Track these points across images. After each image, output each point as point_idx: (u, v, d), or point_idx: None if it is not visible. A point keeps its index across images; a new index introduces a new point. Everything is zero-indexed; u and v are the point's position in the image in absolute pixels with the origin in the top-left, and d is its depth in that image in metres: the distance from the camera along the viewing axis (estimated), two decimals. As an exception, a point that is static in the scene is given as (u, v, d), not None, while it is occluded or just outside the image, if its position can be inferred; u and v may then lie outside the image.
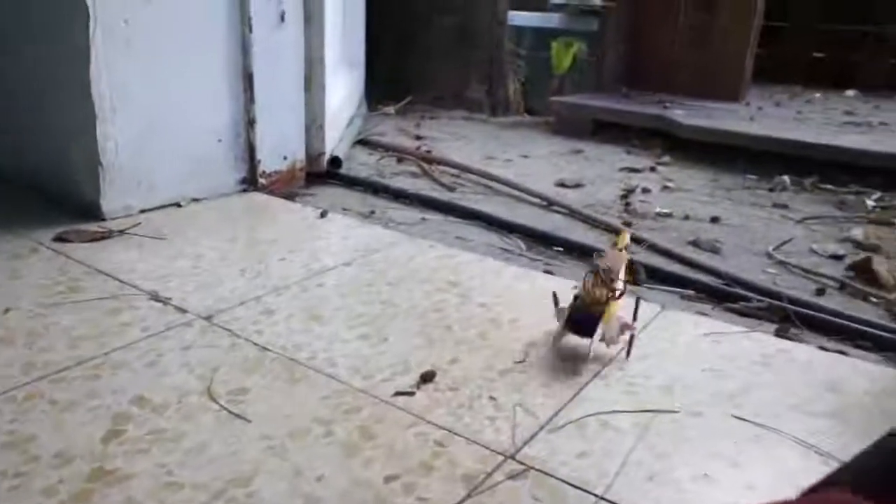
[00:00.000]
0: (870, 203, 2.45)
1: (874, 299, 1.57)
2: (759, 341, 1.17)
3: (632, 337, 1.10)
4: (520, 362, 1.07)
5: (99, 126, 1.58)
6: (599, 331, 1.06)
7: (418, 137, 3.09)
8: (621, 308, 1.11)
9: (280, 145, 2.00)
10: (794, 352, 1.14)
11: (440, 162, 2.55)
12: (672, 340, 1.16)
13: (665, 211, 2.18)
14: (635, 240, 1.85)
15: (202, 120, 1.81)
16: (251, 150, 1.92)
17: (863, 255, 1.90)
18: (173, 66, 1.70)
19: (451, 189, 2.26)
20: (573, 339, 1.09)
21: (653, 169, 2.79)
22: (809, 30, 5.92)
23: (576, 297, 1.11)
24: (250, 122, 1.89)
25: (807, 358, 1.12)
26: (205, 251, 1.48)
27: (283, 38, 1.90)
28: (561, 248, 1.75)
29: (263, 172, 1.96)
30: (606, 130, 3.35)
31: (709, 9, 3.86)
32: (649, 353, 1.11)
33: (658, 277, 1.59)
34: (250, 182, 1.95)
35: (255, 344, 1.10)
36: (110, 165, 1.63)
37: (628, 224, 2.00)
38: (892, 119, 3.64)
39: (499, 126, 3.56)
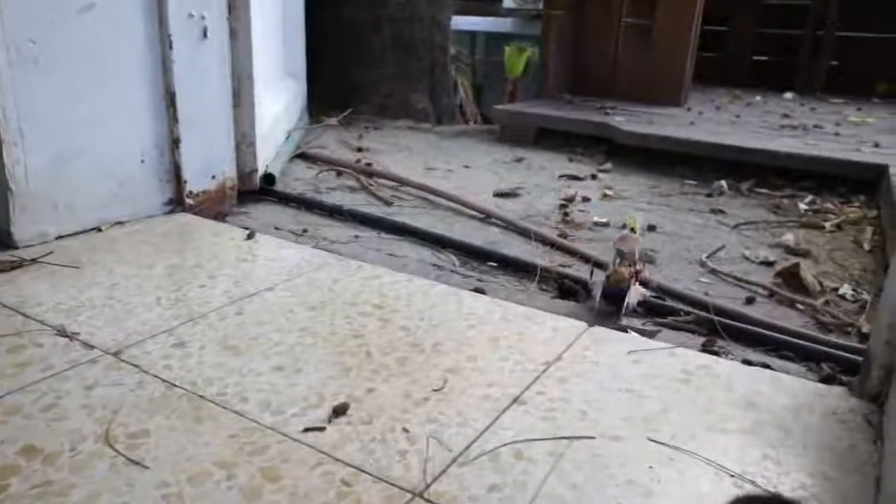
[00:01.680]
0: (802, 206, 2.49)
1: (801, 306, 1.59)
2: (682, 357, 1.17)
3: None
4: (438, 390, 1.04)
5: (6, 149, 1.50)
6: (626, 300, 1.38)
7: (360, 149, 3.05)
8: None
9: (208, 164, 1.94)
10: (715, 367, 1.14)
11: (379, 175, 2.52)
12: (595, 360, 1.15)
13: (602, 220, 2.19)
14: (570, 252, 1.84)
15: (123, 140, 1.74)
16: (177, 169, 1.86)
17: (793, 260, 1.93)
18: (89, 87, 1.64)
19: (388, 203, 2.23)
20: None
21: (594, 176, 2.81)
22: (750, 34, 6.06)
23: (607, 277, 1.40)
24: (175, 142, 1.83)
25: (728, 373, 1.12)
26: (120, 280, 1.42)
27: (207, 54, 1.84)
28: (495, 264, 1.73)
29: (191, 192, 1.90)
30: (550, 137, 3.36)
31: (649, 14, 3.91)
32: (570, 374, 1.10)
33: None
34: (177, 203, 1.89)
35: (164, 380, 1.05)
36: (21, 190, 1.55)
37: (564, 235, 1.99)
38: (825, 121, 3.74)
39: (443, 135, 3.54)
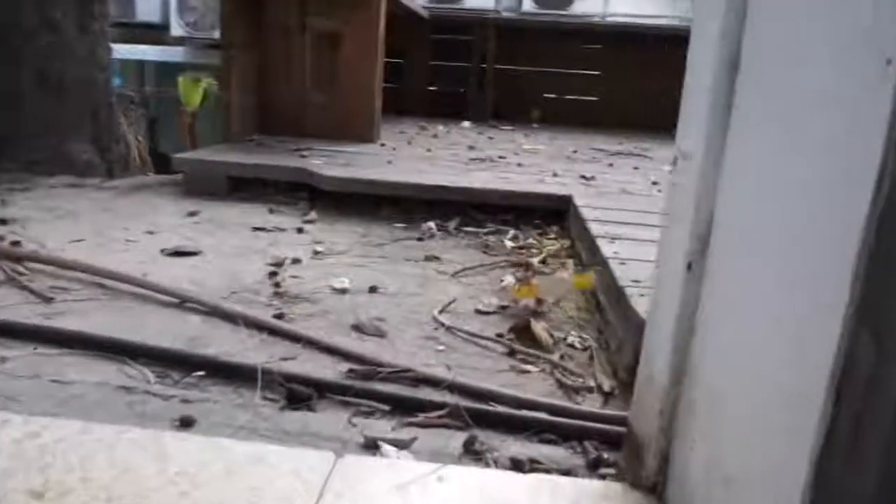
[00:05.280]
0: (508, 243, 2.55)
1: (540, 366, 1.54)
2: (457, 479, 0.98)
3: None
4: None
5: None
6: None
7: (4, 221, 2.42)
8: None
9: None
10: (467, 478, 0.97)
11: (31, 259, 1.98)
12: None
13: (320, 286, 1.96)
14: (292, 338, 1.58)
15: None
16: None
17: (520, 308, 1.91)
18: None
19: (48, 299, 1.74)
20: None
21: (300, 230, 2.57)
22: (425, 66, 6.38)
23: None
24: None
25: (503, 492, 0.96)
26: None
27: None
28: (202, 372, 1.40)
29: None
30: (246, 186, 3.05)
31: (333, 47, 3.80)
32: (329, 544, 0.85)
33: (327, 392, 1.33)
34: None
35: None
36: None
37: (281, 315, 1.72)
38: (506, 151, 4.00)
39: (117, 192, 3.01)
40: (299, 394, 1.29)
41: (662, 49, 5.73)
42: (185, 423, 1.16)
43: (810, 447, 0.52)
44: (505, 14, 6.31)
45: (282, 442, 1.11)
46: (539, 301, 1.80)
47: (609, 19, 6.23)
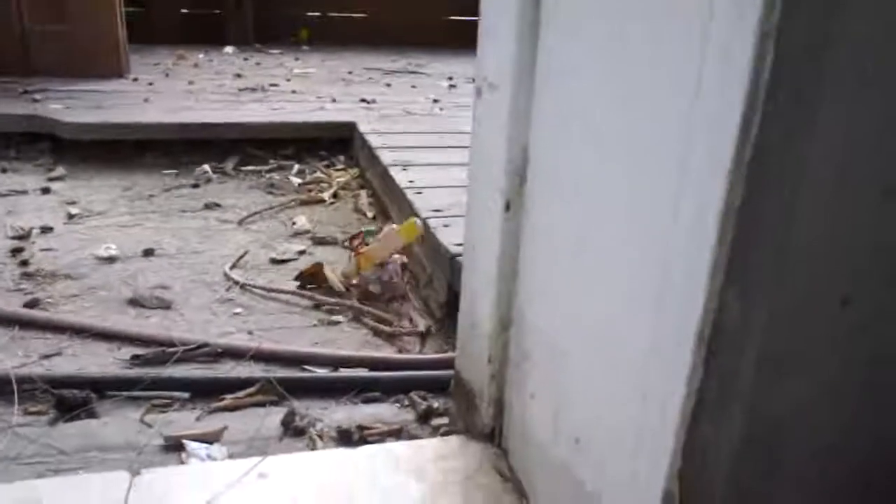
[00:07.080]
0: (295, 180, 2.38)
1: (347, 314, 1.44)
2: (274, 476, 0.87)
3: None
4: None
5: None
6: None
7: None
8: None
9: None
10: (293, 468, 0.87)
11: None
12: (165, 537, 0.77)
13: (81, 257, 1.68)
14: (52, 328, 1.32)
15: None
16: None
17: (316, 248, 1.80)
18: None
19: None
20: None
21: (46, 190, 2.18)
22: (172, -14, 5.68)
23: None
24: None
25: (327, 475, 0.87)
26: None
27: None
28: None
29: None
30: (-38, 143, 2.52)
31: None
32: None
33: (109, 389, 1.13)
34: None
35: None
36: None
37: (35, 302, 1.43)
38: (277, 78, 3.72)
39: None
40: (73, 399, 1.07)
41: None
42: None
43: (678, 410, 0.48)
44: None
45: (59, 467, 0.92)
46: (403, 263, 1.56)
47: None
